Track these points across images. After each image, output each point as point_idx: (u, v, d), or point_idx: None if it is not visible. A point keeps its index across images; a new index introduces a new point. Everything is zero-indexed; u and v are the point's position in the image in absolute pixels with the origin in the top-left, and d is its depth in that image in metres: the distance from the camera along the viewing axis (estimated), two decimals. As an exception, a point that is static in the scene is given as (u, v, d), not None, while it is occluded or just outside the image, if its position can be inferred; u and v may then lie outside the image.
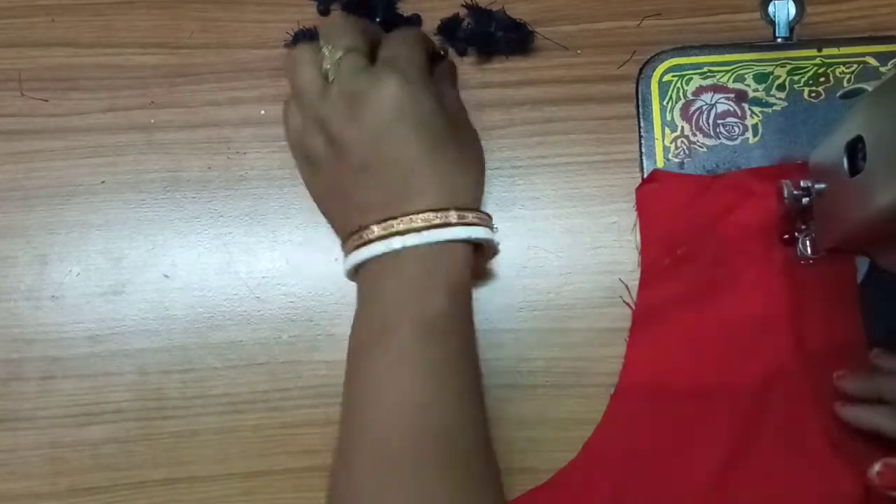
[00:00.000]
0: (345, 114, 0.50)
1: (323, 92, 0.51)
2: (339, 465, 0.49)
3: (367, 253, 0.49)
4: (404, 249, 0.49)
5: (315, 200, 0.55)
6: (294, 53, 0.53)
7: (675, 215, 0.57)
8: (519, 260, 0.58)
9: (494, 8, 0.59)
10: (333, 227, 0.55)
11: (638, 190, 0.57)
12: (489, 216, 0.53)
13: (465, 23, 0.59)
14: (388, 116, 0.50)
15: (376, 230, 0.49)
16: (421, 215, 0.49)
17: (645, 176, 0.58)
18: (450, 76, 0.57)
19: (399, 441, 0.46)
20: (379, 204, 0.50)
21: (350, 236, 0.51)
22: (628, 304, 0.57)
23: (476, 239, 0.51)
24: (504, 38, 0.58)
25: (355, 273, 0.51)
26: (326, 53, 0.52)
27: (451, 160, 0.51)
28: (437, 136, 0.51)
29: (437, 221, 0.49)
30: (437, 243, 0.49)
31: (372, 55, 0.53)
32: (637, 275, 0.57)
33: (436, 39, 0.60)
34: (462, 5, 0.59)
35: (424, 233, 0.49)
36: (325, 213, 0.55)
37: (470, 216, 0.50)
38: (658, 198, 0.56)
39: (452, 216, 0.49)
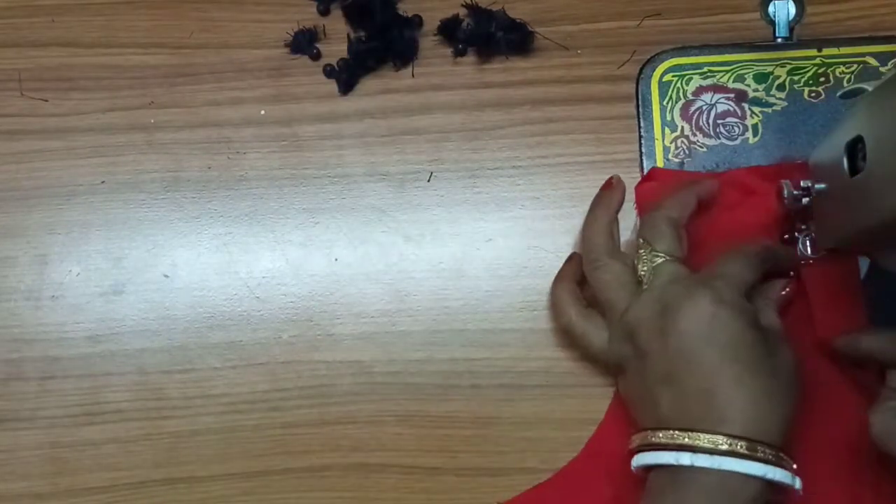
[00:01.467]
0: (653, 324, 0.50)
1: (634, 298, 0.51)
2: None
3: (653, 459, 0.48)
4: (691, 470, 0.46)
5: (624, 398, 0.54)
6: (602, 261, 0.53)
7: None
8: (519, 260, 0.58)
9: (494, 8, 0.59)
10: (638, 426, 0.52)
11: (637, 187, 0.57)
12: (790, 459, 0.48)
13: (465, 23, 0.59)
14: (694, 336, 0.48)
15: (662, 436, 0.48)
16: (709, 436, 0.46)
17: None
18: (777, 299, 0.54)
19: None
20: (675, 420, 0.48)
21: (639, 433, 0.50)
22: None
23: (772, 480, 0.46)
24: (504, 39, 0.58)
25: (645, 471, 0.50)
26: (643, 255, 0.52)
27: (757, 390, 0.47)
28: (745, 363, 0.48)
29: (725, 448, 0.46)
30: (729, 473, 0.46)
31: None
32: (637, 275, 0.57)
33: (436, 39, 0.60)
34: (462, 5, 0.59)
35: (717, 457, 0.46)
36: (632, 411, 0.53)
37: (767, 452, 0.46)
38: (657, 195, 0.56)
39: (742, 446, 0.46)
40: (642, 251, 0.52)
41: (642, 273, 0.52)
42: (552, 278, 0.57)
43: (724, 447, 0.46)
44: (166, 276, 0.58)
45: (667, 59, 0.59)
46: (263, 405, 0.57)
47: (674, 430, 0.48)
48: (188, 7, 0.61)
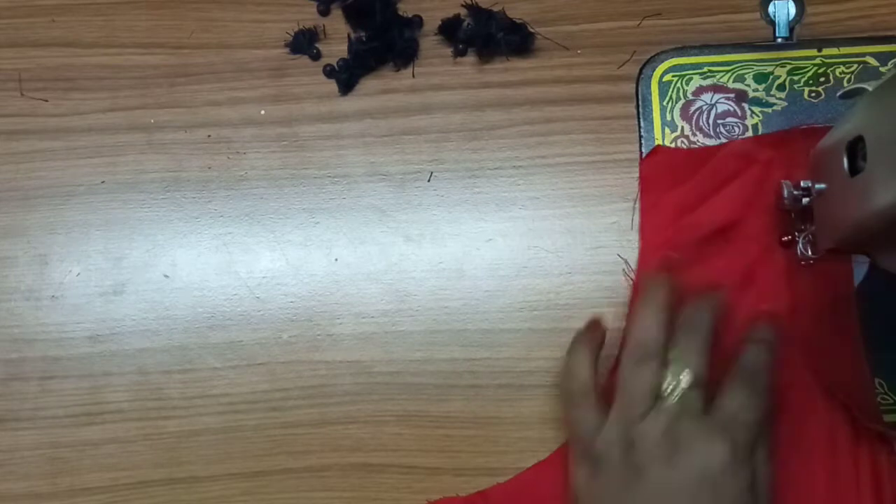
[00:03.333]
0: (659, 447, 0.48)
1: (652, 408, 0.49)
2: None
3: None
4: None
5: (573, 489, 0.52)
6: (577, 401, 0.51)
7: (676, 186, 0.56)
8: (519, 260, 0.58)
9: (495, 8, 0.59)
10: None
11: (642, 163, 0.57)
12: None
13: (465, 23, 0.59)
14: (697, 483, 0.48)
15: None
16: None
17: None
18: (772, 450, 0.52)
19: None
20: None
21: None
22: (630, 278, 0.56)
23: None
24: (504, 39, 0.58)
25: None
26: (670, 372, 0.50)
27: None
28: None
29: None
30: None
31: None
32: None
33: (436, 39, 0.60)
34: (462, 5, 0.59)
35: None
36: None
37: None
38: (661, 169, 0.56)
39: None
40: (673, 356, 0.50)
41: (666, 386, 0.50)
42: (552, 278, 0.57)
43: None
44: (166, 276, 0.58)
45: (667, 59, 0.59)
46: (263, 405, 0.57)
47: None
48: (188, 7, 0.61)
